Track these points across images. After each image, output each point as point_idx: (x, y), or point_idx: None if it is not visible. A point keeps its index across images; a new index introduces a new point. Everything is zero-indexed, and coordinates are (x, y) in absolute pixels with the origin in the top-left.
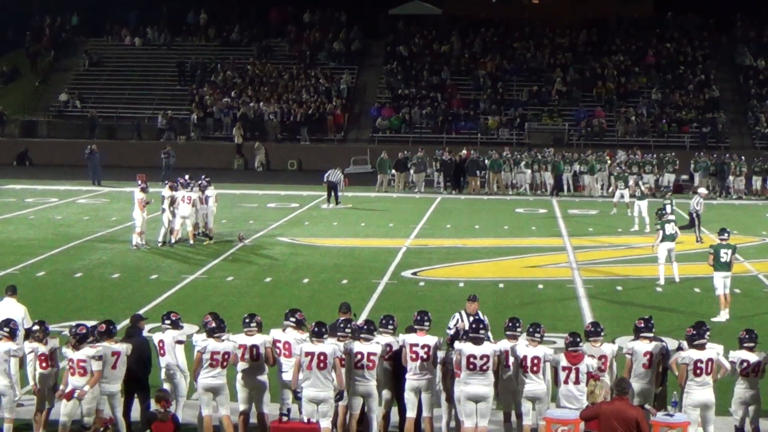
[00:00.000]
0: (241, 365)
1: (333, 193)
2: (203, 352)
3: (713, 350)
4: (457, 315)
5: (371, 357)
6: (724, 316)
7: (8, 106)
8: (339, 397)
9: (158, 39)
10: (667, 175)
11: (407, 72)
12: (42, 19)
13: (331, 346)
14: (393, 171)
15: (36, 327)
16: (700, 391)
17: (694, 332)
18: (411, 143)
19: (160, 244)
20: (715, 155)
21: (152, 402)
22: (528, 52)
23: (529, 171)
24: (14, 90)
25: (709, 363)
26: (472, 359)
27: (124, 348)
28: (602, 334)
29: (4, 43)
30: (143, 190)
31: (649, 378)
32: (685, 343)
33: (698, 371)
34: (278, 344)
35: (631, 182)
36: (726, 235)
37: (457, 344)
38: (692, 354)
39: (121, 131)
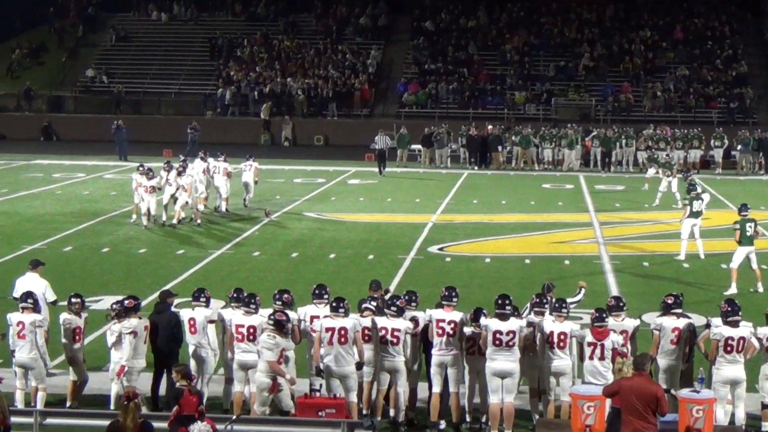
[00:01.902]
0: None
1: (381, 162)
2: (230, 326)
3: (746, 328)
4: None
5: (395, 333)
6: (735, 288)
7: (35, 81)
8: (358, 366)
9: (184, 14)
10: (693, 151)
11: (434, 47)
12: None
13: (351, 320)
14: (419, 146)
15: (75, 300)
16: (730, 368)
17: (728, 309)
18: (437, 118)
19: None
20: (742, 131)
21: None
22: (555, 27)
23: (579, 146)
24: (41, 65)
25: (741, 341)
26: (498, 335)
27: (148, 323)
28: (624, 308)
29: (31, 18)
30: (148, 175)
31: (676, 354)
32: (713, 320)
33: (729, 348)
34: (315, 321)
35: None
36: (747, 210)
37: (483, 320)
38: (724, 330)
39: (147, 106)
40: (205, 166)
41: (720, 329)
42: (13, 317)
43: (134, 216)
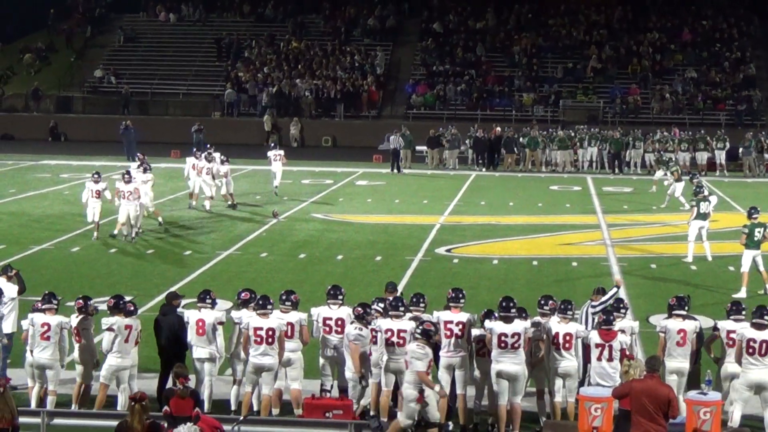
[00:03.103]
0: None
1: (395, 161)
2: (246, 329)
3: None
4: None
5: (401, 334)
6: (744, 292)
7: (44, 82)
8: (363, 383)
9: (193, 15)
10: (700, 153)
11: (442, 49)
12: None
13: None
14: (424, 147)
15: (91, 303)
16: (756, 371)
17: (755, 312)
18: (445, 120)
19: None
20: (748, 133)
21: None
22: (563, 29)
23: (595, 149)
24: (50, 66)
25: (764, 344)
26: (503, 337)
27: (136, 323)
28: (622, 310)
29: (39, 20)
30: (124, 179)
31: (682, 356)
32: (719, 323)
33: (750, 350)
34: (329, 321)
35: (674, 169)
36: (757, 213)
37: (487, 323)
38: (746, 332)
39: (155, 106)
40: (194, 163)
41: (742, 330)
42: (37, 318)
43: (95, 234)
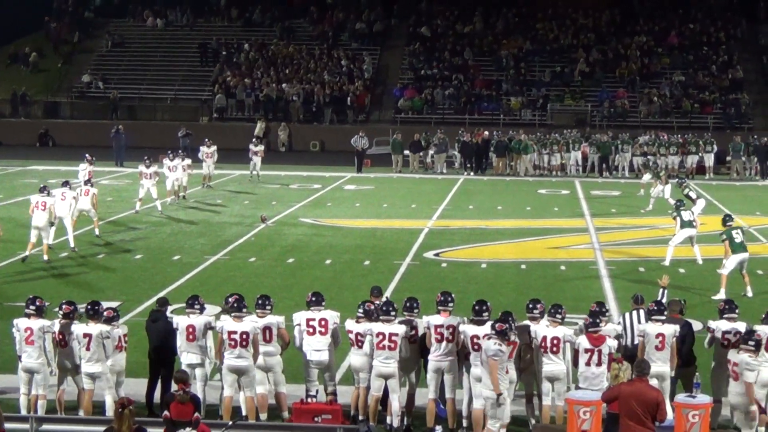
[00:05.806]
0: None
1: (360, 162)
2: (221, 333)
3: None
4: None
5: (393, 338)
6: (722, 294)
7: (31, 87)
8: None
9: (180, 20)
10: (690, 157)
11: (430, 53)
12: (65, 1)
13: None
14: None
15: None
16: None
17: None
18: (433, 124)
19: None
20: (736, 136)
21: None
22: (551, 33)
23: (579, 152)
24: (37, 71)
25: None
26: (475, 339)
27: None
28: (607, 314)
29: (26, 25)
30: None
31: (662, 360)
32: (712, 324)
33: None
34: (312, 323)
35: (662, 174)
36: (731, 220)
37: (461, 326)
38: None
39: (143, 111)
40: (169, 165)
41: (764, 329)
42: (21, 323)
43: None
